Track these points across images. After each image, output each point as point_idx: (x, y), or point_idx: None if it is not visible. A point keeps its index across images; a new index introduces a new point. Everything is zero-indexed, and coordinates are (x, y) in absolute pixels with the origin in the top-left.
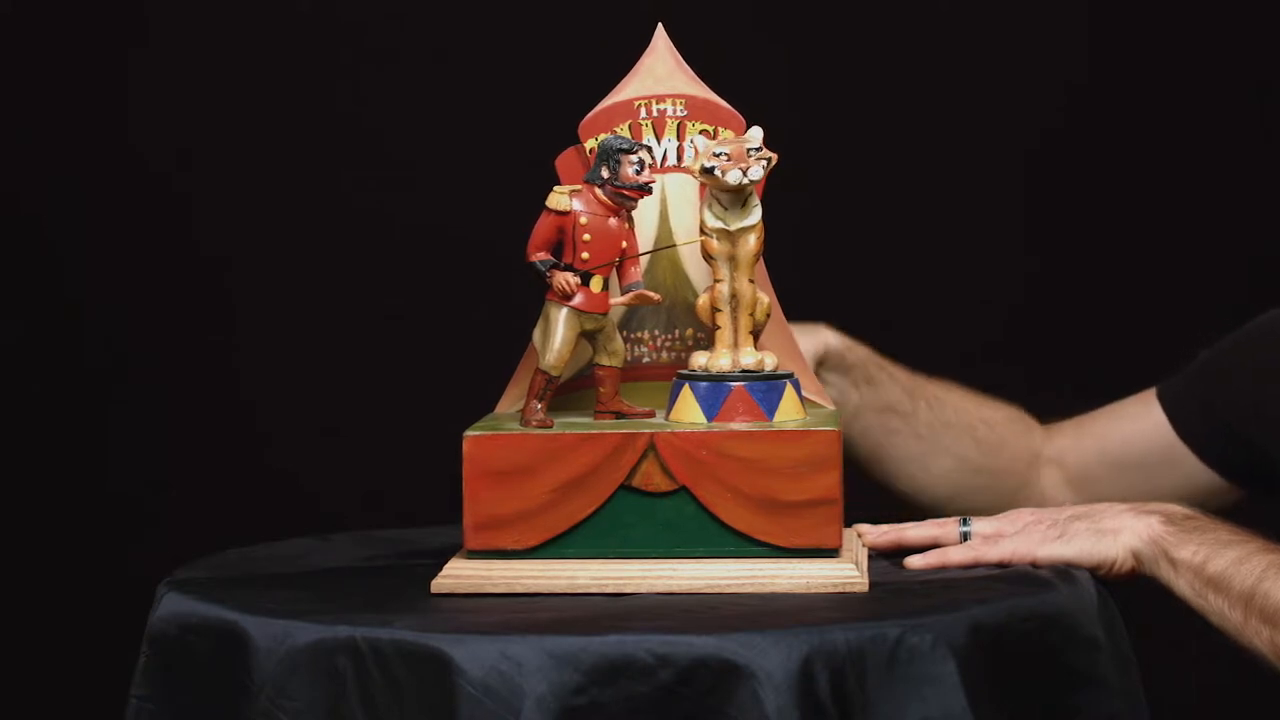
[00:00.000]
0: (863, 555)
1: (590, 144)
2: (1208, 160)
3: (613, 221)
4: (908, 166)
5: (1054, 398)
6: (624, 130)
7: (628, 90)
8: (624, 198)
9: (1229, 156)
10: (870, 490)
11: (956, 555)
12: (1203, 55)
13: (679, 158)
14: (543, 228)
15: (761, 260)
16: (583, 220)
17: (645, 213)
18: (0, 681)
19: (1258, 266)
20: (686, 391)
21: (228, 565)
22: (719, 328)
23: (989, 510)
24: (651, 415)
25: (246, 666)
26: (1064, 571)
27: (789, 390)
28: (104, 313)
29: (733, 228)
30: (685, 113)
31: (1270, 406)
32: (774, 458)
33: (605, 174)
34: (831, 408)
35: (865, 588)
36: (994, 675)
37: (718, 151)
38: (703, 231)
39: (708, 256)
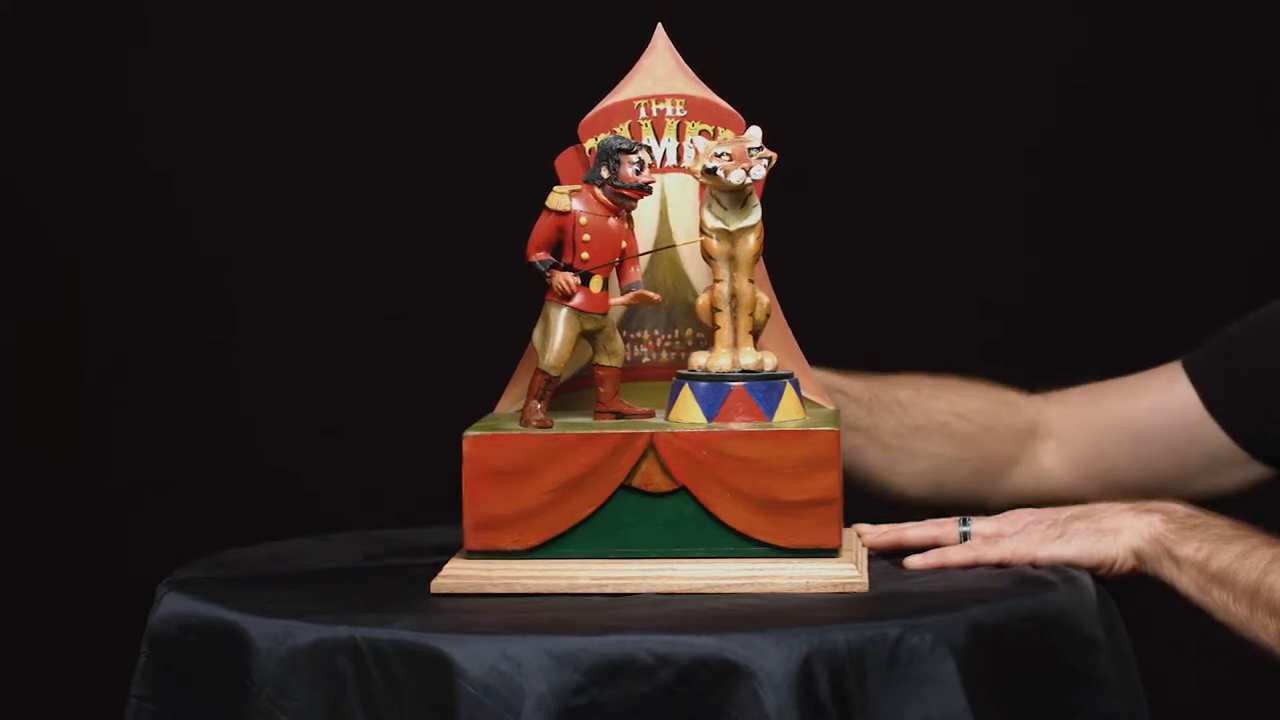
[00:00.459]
0: (863, 555)
1: (590, 144)
2: (1208, 160)
3: (613, 221)
4: (908, 166)
5: None
6: (624, 130)
7: (628, 90)
8: (624, 198)
9: (1229, 156)
10: (870, 490)
11: (956, 555)
12: (1203, 55)
13: (679, 158)
14: (542, 228)
15: (761, 260)
16: (582, 220)
17: (645, 213)
18: (0, 681)
19: (1258, 266)
20: (686, 391)
21: (228, 565)
22: (719, 328)
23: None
24: (651, 415)
25: (246, 666)
26: (1064, 571)
27: (789, 390)
28: (104, 313)
29: (732, 228)
30: (685, 113)
31: None
32: (774, 458)
33: (605, 174)
34: (831, 408)
35: (865, 588)
36: (994, 675)
37: (719, 152)
38: (703, 231)
39: (707, 256)
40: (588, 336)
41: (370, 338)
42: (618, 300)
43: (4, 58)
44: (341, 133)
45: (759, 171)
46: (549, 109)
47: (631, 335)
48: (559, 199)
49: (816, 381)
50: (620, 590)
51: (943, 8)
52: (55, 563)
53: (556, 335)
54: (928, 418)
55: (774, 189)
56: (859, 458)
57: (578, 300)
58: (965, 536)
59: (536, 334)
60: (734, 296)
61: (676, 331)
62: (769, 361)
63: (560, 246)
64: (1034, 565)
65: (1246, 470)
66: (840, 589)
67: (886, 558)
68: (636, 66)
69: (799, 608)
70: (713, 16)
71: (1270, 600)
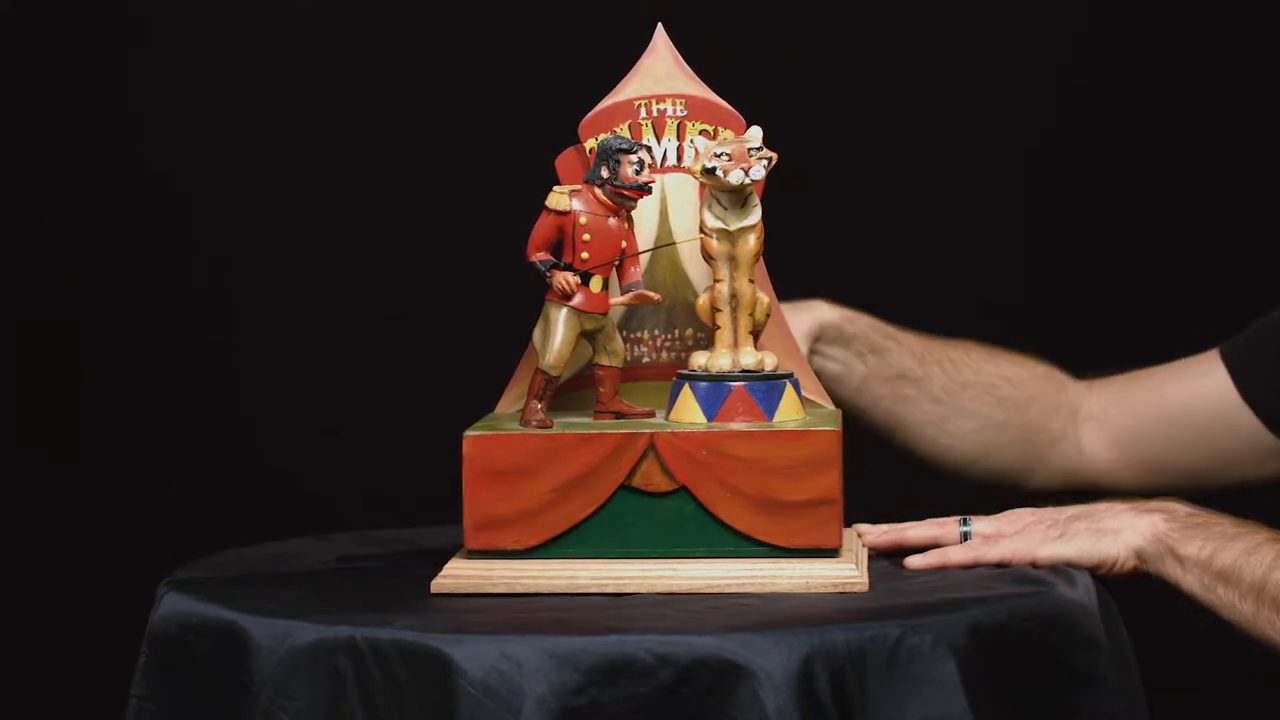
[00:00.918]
0: (863, 555)
1: (590, 144)
2: (1208, 160)
3: (612, 221)
4: (908, 166)
5: None
6: (624, 130)
7: (628, 90)
8: (624, 198)
9: (1229, 156)
10: (870, 490)
11: (956, 555)
12: (1203, 55)
13: (679, 158)
14: (542, 228)
15: (761, 260)
16: (582, 220)
17: (645, 213)
18: (0, 681)
19: (1258, 266)
20: (686, 391)
21: (228, 565)
22: (719, 328)
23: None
24: (651, 415)
25: (246, 666)
26: (1064, 571)
27: (789, 390)
28: (104, 313)
29: (733, 228)
30: (685, 113)
31: None
32: (774, 457)
33: (605, 174)
34: (832, 407)
35: (865, 588)
36: (994, 675)
37: (719, 152)
38: (703, 231)
39: (708, 256)
40: (588, 336)
41: (370, 338)
42: (618, 300)
43: (4, 58)
44: (341, 133)
45: (758, 172)
46: (549, 109)
47: (631, 335)
48: (559, 199)
49: (869, 325)
50: (620, 590)
51: (943, 8)
52: (56, 562)
53: (556, 335)
54: (978, 376)
55: (774, 189)
56: (909, 408)
57: (578, 300)
58: (965, 536)
59: (536, 334)
60: (734, 296)
61: (676, 331)
62: (769, 361)
63: (560, 246)
64: (1034, 565)
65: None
66: (840, 589)
67: (886, 558)
68: (636, 66)
69: (799, 608)
70: (713, 16)
71: (1276, 597)
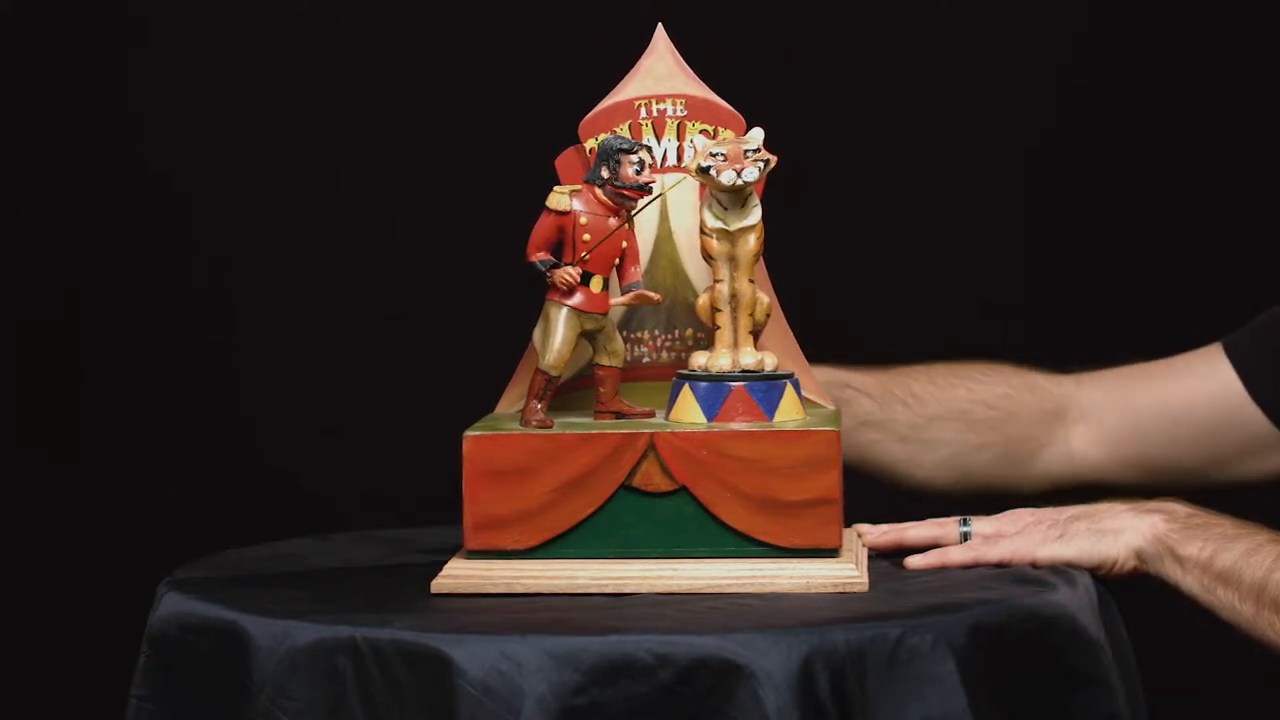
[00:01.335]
0: (863, 555)
1: (590, 144)
2: (1208, 159)
3: (613, 221)
4: (908, 166)
5: None
6: (624, 130)
7: (628, 90)
8: (624, 198)
9: (1229, 156)
10: (870, 490)
11: (956, 555)
12: (1203, 55)
13: (679, 158)
14: (543, 228)
15: (761, 260)
16: (583, 220)
17: (645, 213)
18: (0, 681)
19: (1258, 266)
20: (686, 391)
21: (228, 565)
22: (719, 328)
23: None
24: (651, 415)
25: (246, 666)
26: (1064, 571)
27: (789, 390)
28: (104, 313)
29: (732, 228)
30: (685, 113)
31: None
32: (774, 458)
33: (605, 174)
34: (832, 407)
35: (865, 588)
36: (994, 675)
37: (715, 151)
38: (703, 231)
39: (708, 256)
40: (588, 336)
41: (370, 338)
42: (618, 300)
43: (4, 58)
44: (341, 133)
45: (751, 174)
46: (549, 109)
47: (631, 335)
48: (559, 199)
49: (825, 378)
50: (620, 590)
51: (943, 8)
52: (55, 563)
53: (556, 335)
54: (944, 407)
55: (774, 189)
56: (876, 452)
57: (578, 300)
58: (965, 536)
59: (536, 334)
60: (734, 296)
61: (676, 331)
62: (769, 361)
63: (560, 246)
64: (1034, 565)
65: None
66: (840, 589)
67: (886, 558)
68: (636, 66)
69: (799, 608)
70: (713, 16)
71: (1277, 598)
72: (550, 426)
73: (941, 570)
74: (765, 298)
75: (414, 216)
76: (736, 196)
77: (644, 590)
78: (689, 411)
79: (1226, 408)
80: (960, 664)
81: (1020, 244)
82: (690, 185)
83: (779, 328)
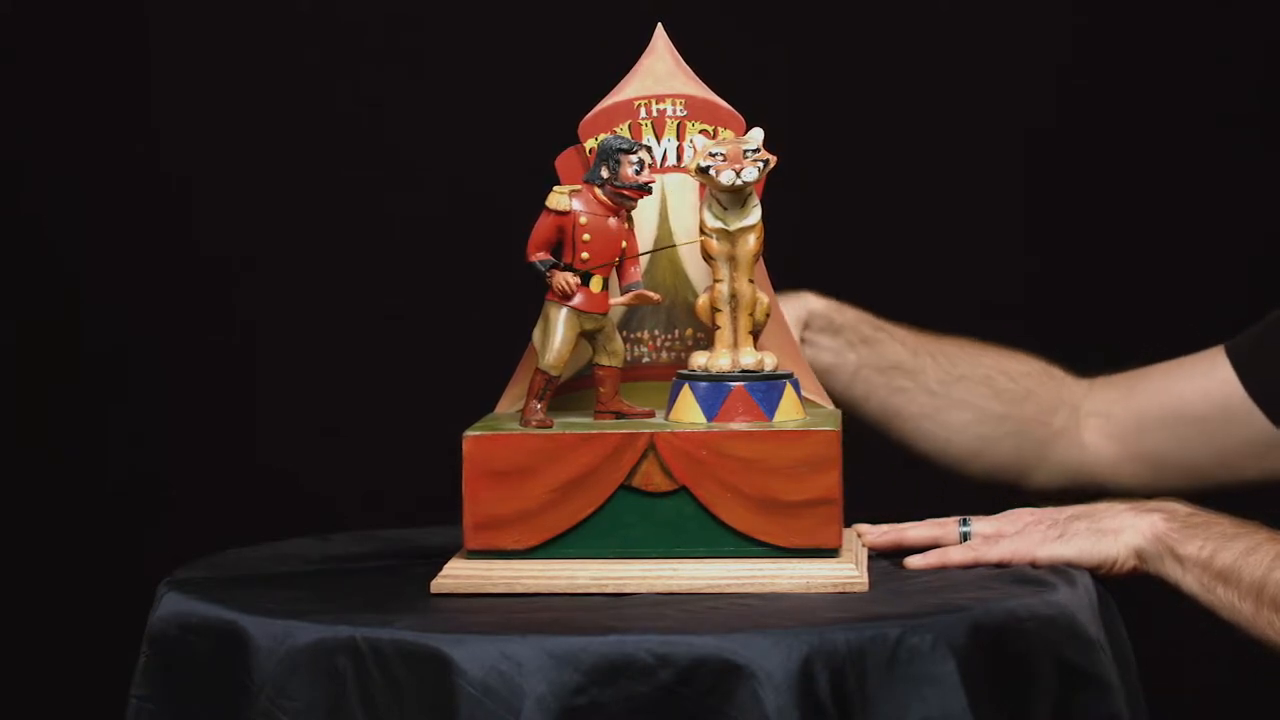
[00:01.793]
0: (863, 555)
1: (590, 144)
2: (1208, 160)
3: (612, 221)
4: (907, 166)
5: None
6: (624, 130)
7: (628, 90)
8: (624, 198)
9: (1229, 156)
10: (870, 490)
11: (956, 555)
12: (1203, 54)
13: (679, 158)
14: (542, 228)
15: (761, 260)
16: (582, 220)
17: (645, 213)
18: (0, 681)
19: (1258, 266)
20: (686, 391)
21: (228, 565)
22: (719, 328)
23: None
24: (651, 415)
25: (246, 666)
26: (1064, 571)
27: (789, 390)
28: (104, 313)
29: (732, 228)
30: (685, 113)
31: None
32: (774, 457)
33: (605, 174)
34: (832, 408)
35: (865, 588)
36: (994, 675)
37: (714, 151)
38: (702, 231)
39: (707, 256)
40: (588, 336)
41: (370, 338)
42: (618, 300)
43: (4, 58)
44: (341, 133)
45: (750, 174)
46: (549, 109)
47: (631, 335)
48: (559, 199)
49: (858, 318)
50: (620, 590)
51: (943, 8)
52: (55, 562)
53: (556, 335)
54: (973, 369)
55: (774, 189)
56: (905, 400)
57: (578, 300)
58: (965, 536)
59: (536, 334)
60: (734, 296)
61: (676, 331)
62: (769, 361)
63: (560, 246)
64: (1034, 565)
65: None
66: (840, 589)
67: (886, 558)
68: (636, 66)
69: (799, 608)
70: (713, 16)
71: (1276, 597)
72: (550, 426)
73: (941, 570)
74: (765, 298)
75: (414, 216)
76: (736, 197)
77: (644, 590)
78: (689, 411)
79: (1228, 409)
80: (960, 664)
81: (1020, 244)
82: (690, 183)
83: (779, 328)
